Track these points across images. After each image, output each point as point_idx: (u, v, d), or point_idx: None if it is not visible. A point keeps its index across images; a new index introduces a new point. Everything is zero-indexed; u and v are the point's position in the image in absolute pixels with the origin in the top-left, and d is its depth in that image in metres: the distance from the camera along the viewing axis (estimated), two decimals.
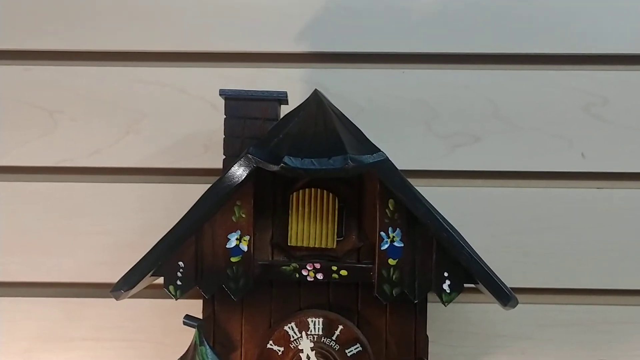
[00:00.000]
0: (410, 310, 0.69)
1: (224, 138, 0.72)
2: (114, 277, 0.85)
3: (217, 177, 0.85)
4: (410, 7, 0.86)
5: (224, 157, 0.72)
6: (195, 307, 0.79)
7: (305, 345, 0.66)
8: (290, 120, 0.65)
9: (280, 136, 0.62)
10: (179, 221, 0.65)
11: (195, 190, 0.86)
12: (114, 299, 0.86)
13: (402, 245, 0.65)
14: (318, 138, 0.61)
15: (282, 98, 0.72)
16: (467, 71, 0.87)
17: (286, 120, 0.66)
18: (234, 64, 0.88)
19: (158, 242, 0.65)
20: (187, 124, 0.87)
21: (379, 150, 0.62)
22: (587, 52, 0.86)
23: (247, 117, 0.72)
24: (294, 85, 0.85)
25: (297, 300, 0.69)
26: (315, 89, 0.69)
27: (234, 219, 0.65)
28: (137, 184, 0.87)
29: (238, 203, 0.65)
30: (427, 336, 0.70)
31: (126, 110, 0.87)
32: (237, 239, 0.65)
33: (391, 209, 0.64)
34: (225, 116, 0.72)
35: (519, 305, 0.68)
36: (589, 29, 0.86)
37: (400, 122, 0.87)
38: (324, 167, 0.59)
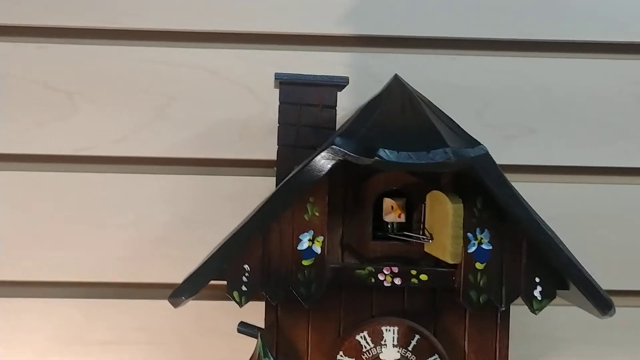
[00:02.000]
0: (491, 317, 0.63)
1: (279, 126, 0.67)
2: (137, 275, 0.82)
3: (252, 169, 0.81)
4: None
5: (278, 146, 0.66)
6: (226, 308, 0.72)
7: (390, 355, 0.60)
8: (373, 109, 0.59)
9: (368, 126, 0.56)
10: (246, 219, 0.59)
11: (228, 182, 0.81)
12: (136, 299, 0.81)
13: (491, 247, 0.59)
14: (410, 129, 0.56)
15: (340, 84, 0.67)
16: (519, 58, 0.83)
17: (368, 109, 0.60)
18: (271, 46, 0.83)
19: (222, 243, 0.59)
20: (221, 109, 0.82)
21: (478, 142, 0.57)
22: None
23: (302, 103, 0.67)
24: (337, 70, 0.79)
25: (369, 306, 0.63)
26: (395, 74, 0.64)
27: (306, 217, 0.59)
28: (164, 175, 0.82)
29: (311, 200, 0.59)
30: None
31: (153, 94, 0.82)
32: (309, 240, 0.59)
33: (479, 207, 0.59)
34: (279, 102, 0.66)
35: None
36: None
37: (450, 111, 0.81)
38: (422, 162, 0.53)
